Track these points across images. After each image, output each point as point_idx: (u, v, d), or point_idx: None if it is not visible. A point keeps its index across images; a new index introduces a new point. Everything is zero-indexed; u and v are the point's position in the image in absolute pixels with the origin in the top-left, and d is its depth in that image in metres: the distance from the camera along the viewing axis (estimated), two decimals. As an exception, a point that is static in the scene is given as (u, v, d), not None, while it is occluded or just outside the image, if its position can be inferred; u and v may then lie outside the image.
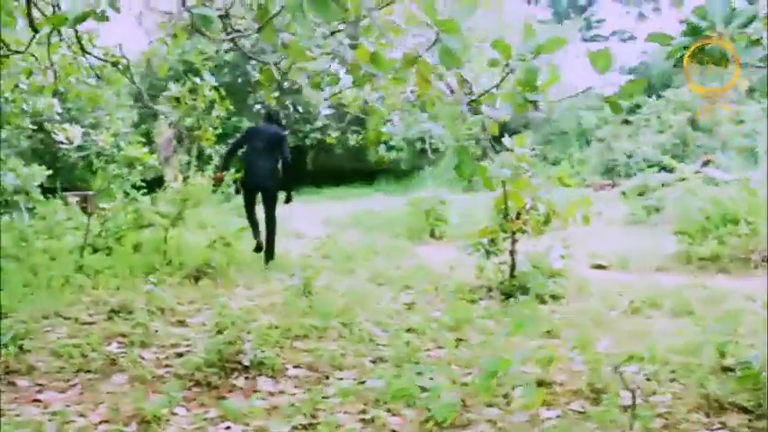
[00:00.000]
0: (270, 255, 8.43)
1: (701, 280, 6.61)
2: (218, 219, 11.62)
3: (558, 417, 3.54)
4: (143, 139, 10.81)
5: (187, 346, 5.13)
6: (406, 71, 3.98)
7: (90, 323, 5.74)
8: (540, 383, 3.91)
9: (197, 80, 8.11)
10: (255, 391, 4.12)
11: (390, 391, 3.77)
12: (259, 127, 9.44)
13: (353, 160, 26.75)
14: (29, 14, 5.48)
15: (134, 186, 11.02)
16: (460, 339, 5.00)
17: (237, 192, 9.33)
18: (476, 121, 3.79)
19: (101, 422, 3.70)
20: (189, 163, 13.16)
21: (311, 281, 6.52)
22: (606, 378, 3.89)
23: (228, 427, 3.58)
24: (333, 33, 4.83)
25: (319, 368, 4.49)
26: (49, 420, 3.66)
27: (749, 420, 3.26)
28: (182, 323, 5.80)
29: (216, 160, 13.54)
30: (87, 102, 7.80)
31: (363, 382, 4.18)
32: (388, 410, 3.73)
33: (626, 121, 19.71)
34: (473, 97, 3.74)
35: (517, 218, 6.16)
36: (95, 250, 8.53)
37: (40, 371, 4.52)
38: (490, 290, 6.24)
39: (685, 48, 2.84)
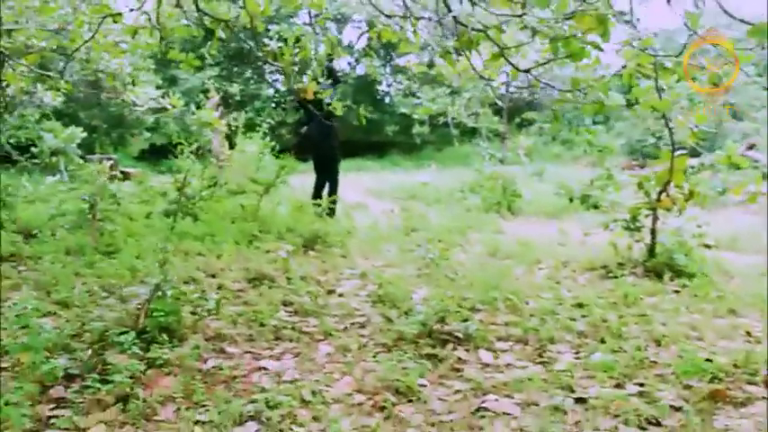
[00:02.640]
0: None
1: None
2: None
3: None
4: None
5: (361, 316, 5.04)
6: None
7: (240, 290, 5.62)
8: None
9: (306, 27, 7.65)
10: (485, 365, 4.05)
11: (679, 366, 3.72)
12: None
13: (364, 133, 26.49)
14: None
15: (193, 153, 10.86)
16: (642, 315, 4.95)
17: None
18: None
19: (353, 392, 3.61)
20: (236, 129, 12.91)
21: (447, 253, 6.46)
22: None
23: (497, 399, 3.50)
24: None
25: (528, 341, 4.43)
26: (301, 388, 3.56)
27: None
28: (332, 293, 5.69)
29: (264, 127, 13.32)
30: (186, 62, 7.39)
31: (585, 357, 4.14)
32: (641, 384, 3.69)
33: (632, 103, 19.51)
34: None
35: (659, 195, 6.13)
36: (183, 216, 8.36)
37: (236, 338, 4.41)
38: (635, 266, 6.19)
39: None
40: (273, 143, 13.43)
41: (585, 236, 7.88)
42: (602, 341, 4.34)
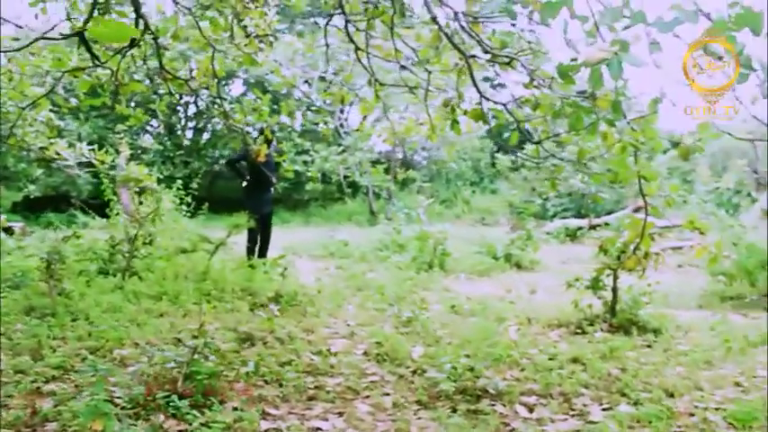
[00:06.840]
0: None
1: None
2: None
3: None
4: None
5: (373, 374, 5.13)
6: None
7: (233, 351, 5.55)
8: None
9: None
10: (526, 419, 4.25)
11: (732, 414, 4.06)
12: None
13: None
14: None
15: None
16: (638, 369, 5.30)
17: None
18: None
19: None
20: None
21: (422, 311, 6.68)
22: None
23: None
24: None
25: (552, 395, 4.67)
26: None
27: None
28: (329, 352, 5.71)
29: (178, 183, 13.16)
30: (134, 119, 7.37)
31: (609, 409, 4.43)
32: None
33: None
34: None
35: (619, 256, 6.61)
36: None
37: (270, 399, 4.41)
38: (604, 322, 6.59)
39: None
40: (188, 199, 13.23)
41: (531, 293, 8.35)
42: (622, 393, 4.65)
